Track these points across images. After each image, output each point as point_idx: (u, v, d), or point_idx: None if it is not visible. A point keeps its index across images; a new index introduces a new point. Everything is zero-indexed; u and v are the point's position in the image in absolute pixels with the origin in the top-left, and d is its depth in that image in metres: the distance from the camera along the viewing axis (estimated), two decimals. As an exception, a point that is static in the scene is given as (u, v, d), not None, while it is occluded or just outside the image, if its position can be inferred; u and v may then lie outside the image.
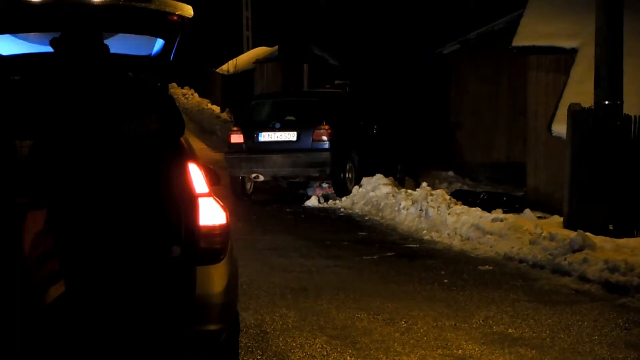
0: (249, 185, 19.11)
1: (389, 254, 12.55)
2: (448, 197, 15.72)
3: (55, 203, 5.26)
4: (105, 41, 5.61)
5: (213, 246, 5.78)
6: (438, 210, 14.64)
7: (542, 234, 12.19)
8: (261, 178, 18.65)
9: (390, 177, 18.26)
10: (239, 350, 6.68)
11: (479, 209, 14.53)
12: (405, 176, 20.60)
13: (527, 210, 14.88)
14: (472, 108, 22.77)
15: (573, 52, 15.73)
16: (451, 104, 23.76)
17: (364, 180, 17.92)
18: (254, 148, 18.53)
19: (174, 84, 41.87)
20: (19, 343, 5.22)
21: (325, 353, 7.55)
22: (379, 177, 17.75)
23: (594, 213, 12.83)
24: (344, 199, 17.91)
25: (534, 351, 7.62)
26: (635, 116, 12.91)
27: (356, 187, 17.99)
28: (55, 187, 5.25)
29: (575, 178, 13.11)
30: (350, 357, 7.47)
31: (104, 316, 5.23)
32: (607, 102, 13.05)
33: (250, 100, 21.12)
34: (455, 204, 15.18)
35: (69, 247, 5.23)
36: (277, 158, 18.27)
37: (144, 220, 5.36)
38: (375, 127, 20.05)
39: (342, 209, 17.31)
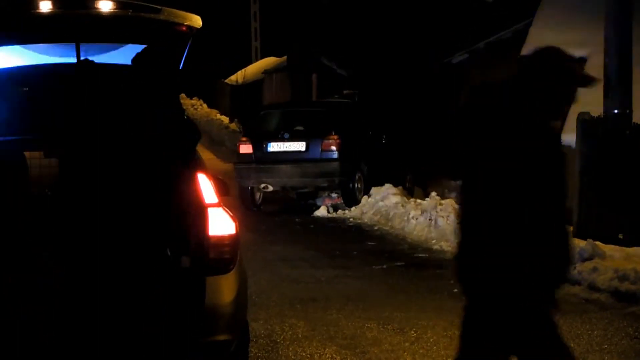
0: (258, 196, 19.12)
1: (398, 263, 12.54)
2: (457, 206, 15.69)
3: (62, 213, 5.27)
4: (115, 52, 5.64)
5: (222, 256, 5.78)
6: (447, 219, 14.62)
7: (552, 243, 12.16)
8: (270, 188, 18.65)
9: (400, 187, 18.26)
10: (249, 361, 6.68)
11: (488, 218, 14.51)
12: (414, 186, 20.59)
13: (537, 220, 14.85)
14: (480, 117, 22.75)
15: (582, 61, 15.73)
16: (460, 113, 23.74)
17: (373, 190, 17.92)
18: (263, 158, 18.54)
19: (183, 95, 41.93)
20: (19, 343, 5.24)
21: (334, 363, 7.55)
22: (388, 187, 17.75)
23: (603, 222, 12.80)
24: (353, 208, 17.91)
25: (544, 361, 7.60)
26: (644, 125, 12.91)
27: (365, 197, 17.99)
28: (63, 196, 5.27)
29: (585, 187, 13.08)
30: (360, 367, 7.47)
31: (111, 326, 5.24)
32: (616, 111, 13.04)
33: (259, 111, 21.15)
34: (465, 214, 15.14)
35: (76, 257, 5.24)
36: (286, 168, 18.28)
37: (153, 230, 5.37)
38: (384, 136, 20.06)
39: (351, 219, 17.31)
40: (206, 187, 5.85)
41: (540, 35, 16.64)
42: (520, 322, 4.68)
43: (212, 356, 5.77)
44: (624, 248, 11.89)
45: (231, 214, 5.91)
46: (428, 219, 15.04)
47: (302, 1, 31.09)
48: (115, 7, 5.74)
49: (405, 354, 7.81)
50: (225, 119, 37.39)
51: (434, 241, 14.22)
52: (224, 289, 5.78)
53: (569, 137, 14.19)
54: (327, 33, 29.10)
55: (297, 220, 17.43)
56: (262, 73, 36.24)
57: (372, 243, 14.57)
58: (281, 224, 17.03)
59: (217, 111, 39.97)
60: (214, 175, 6.12)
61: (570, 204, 13.79)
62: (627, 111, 13.05)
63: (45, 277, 5.27)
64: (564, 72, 4.66)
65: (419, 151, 21.67)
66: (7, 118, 6.28)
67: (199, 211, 5.71)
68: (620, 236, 12.65)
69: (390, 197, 17.18)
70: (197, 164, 5.99)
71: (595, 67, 14.70)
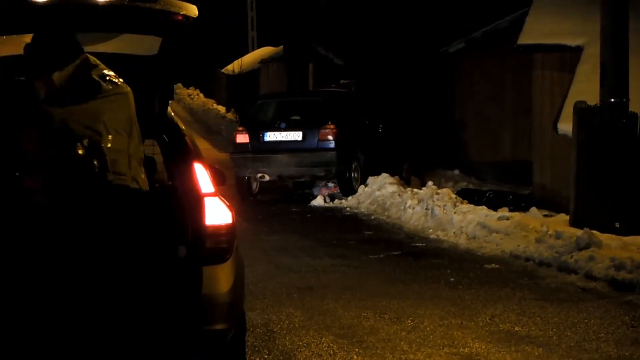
0: (254, 185, 19.12)
1: (395, 253, 12.55)
2: (454, 195, 15.71)
3: (57, 201, 5.26)
4: (111, 41, 5.63)
5: (219, 246, 5.78)
6: (444, 209, 14.63)
7: (548, 232, 12.19)
8: (267, 178, 18.65)
9: (396, 176, 18.25)
10: (246, 350, 6.69)
11: (484, 207, 14.53)
12: (411, 175, 20.59)
13: (533, 209, 14.86)
14: (477, 107, 22.76)
15: (578, 50, 15.71)
16: (456, 102, 23.76)
17: (370, 179, 17.92)
18: (259, 148, 18.54)
19: (180, 85, 41.88)
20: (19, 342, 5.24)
21: (331, 352, 7.55)
22: (384, 176, 17.75)
23: (600, 211, 12.80)
24: (349, 198, 17.91)
25: (540, 349, 7.62)
26: (641, 114, 12.91)
27: (362, 186, 17.99)
28: (59, 184, 5.27)
29: (581, 176, 13.09)
30: (357, 356, 7.48)
31: (108, 316, 5.24)
32: (612, 100, 13.03)
33: (255, 100, 21.14)
34: (461, 203, 15.17)
35: (72, 247, 5.24)
36: (283, 158, 18.29)
37: (150, 219, 5.37)
38: (381, 126, 20.06)
39: (348, 209, 17.31)
40: (202, 176, 5.85)
41: (537, 24, 16.64)
42: None
43: (209, 345, 5.78)
44: (621, 237, 11.90)
45: (227, 203, 5.91)
46: (425, 209, 15.05)
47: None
48: (111, -4, 5.74)
49: (402, 343, 7.82)
50: (221, 109, 37.38)
51: (430, 230, 14.23)
52: (221, 278, 5.78)
53: (565, 126, 14.22)
54: (324, 23, 29.05)
55: (293, 209, 17.43)
56: (259, 62, 36.21)
57: (369, 232, 14.58)
58: (278, 213, 17.04)
59: (213, 101, 39.97)
60: (210, 164, 6.13)
61: (566, 193, 13.81)
62: (624, 100, 13.04)
63: (45, 277, 5.26)
64: None
65: (416, 140, 21.70)
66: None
67: (196, 201, 5.71)
68: (617, 225, 12.66)
69: (387, 187, 17.18)
70: (192, 154, 5.98)
71: (591, 56, 14.72)
